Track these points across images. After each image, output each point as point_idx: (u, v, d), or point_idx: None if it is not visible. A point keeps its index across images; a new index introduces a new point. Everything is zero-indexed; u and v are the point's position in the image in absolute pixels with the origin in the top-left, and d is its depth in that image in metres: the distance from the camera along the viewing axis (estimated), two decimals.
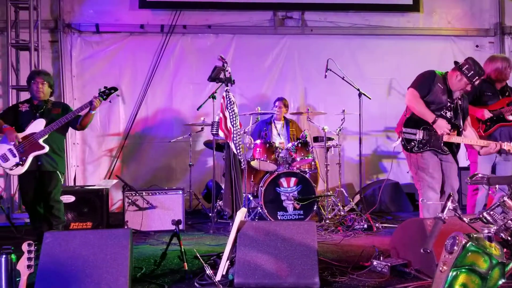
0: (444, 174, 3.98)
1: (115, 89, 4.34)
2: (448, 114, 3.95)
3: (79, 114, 4.28)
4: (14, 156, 4.11)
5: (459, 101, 4.04)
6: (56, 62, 6.51)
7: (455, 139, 3.91)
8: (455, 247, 2.16)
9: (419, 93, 3.92)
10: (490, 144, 3.92)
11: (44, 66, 6.24)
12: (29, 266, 2.46)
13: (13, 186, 5.96)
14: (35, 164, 4.19)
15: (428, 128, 3.91)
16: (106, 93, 4.28)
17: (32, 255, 2.49)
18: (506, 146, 3.87)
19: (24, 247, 2.50)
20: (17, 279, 2.74)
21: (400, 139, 3.98)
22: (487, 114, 4.27)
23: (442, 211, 2.36)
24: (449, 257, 2.19)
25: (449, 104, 3.96)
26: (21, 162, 4.11)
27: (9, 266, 2.97)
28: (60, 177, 4.37)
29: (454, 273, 2.18)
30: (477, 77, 3.86)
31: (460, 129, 3.97)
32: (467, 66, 3.87)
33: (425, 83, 3.95)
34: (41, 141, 4.14)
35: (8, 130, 4.15)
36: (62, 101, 6.20)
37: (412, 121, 3.96)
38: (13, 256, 2.98)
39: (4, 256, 2.97)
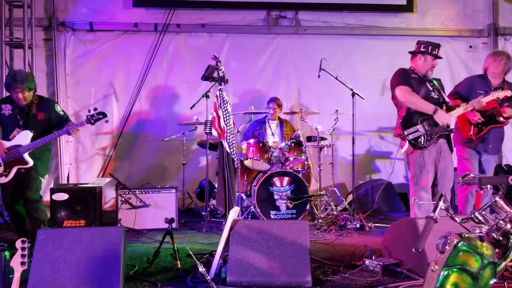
0: (439, 172, 4.03)
1: (104, 115, 4.20)
2: (435, 95, 4.08)
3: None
4: (0, 165, 4.08)
5: (434, 81, 4.22)
6: (50, 60, 6.47)
7: (449, 115, 4.01)
8: (447, 247, 2.18)
9: (410, 88, 4.02)
10: (475, 103, 4.08)
11: (38, 64, 6.21)
12: (22, 263, 2.46)
13: None
14: (17, 172, 4.14)
15: (425, 118, 3.96)
16: (95, 118, 4.14)
17: (26, 252, 2.49)
18: (501, 94, 4.08)
19: (18, 244, 2.50)
20: (11, 276, 2.74)
21: (407, 143, 4.01)
22: (479, 119, 4.28)
23: (434, 210, 2.38)
24: (440, 256, 2.21)
25: (430, 87, 4.10)
26: (4, 173, 4.07)
27: (2, 263, 2.99)
28: (41, 180, 4.31)
29: (446, 272, 2.19)
30: (436, 48, 4.10)
31: (448, 103, 4.13)
32: (422, 45, 4.12)
33: (405, 78, 4.08)
34: (26, 155, 4.07)
35: None
36: (56, 99, 6.16)
37: (407, 120, 4.00)
38: (6, 253, 3.00)
39: None
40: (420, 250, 2.33)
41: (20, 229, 4.34)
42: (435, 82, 4.22)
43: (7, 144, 4.10)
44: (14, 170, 4.09)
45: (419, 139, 3.95)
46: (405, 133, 3.98)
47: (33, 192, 4.24)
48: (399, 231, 3.52)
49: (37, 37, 6.28)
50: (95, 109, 4.19)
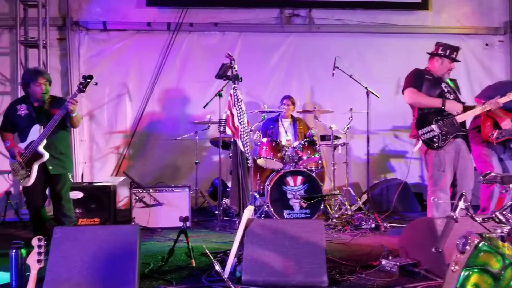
0: (459, 172, 3.98)
1: (91, 77, 4.07)
2: (451, 96, 4.04)
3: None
4: (22, 168, 4.10)
5: (449, 83, 4.17)
6: (64, 59, 6.52)
7: (465, 115, 3.97)
8: (467, 247, 2.14)
9: (417, 89, 4.02)
10: (491, 104, 3.99)
11: (52, 63, 6.26)
12: (39, 261, 2.46)
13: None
14: (43, 170, 4.15)
15: (440, 118, 3.93)
16: (84, 85, 4.05)
17: (42, 250, 2.49)
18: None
19: (34, 242, 2.50)
20: (27, 273, 2.75)
21: (421, 142, 3.98)
22: (510, 125, 4.18)
23: (454, 210, 2.34)
24: (460, 256, 2.17)
25: (445, 89, 4.06)
26: (27, 174, 4.09)
27: (19, 261, 3.01)
28: (69, 177, 4.35)
29: (466, 273, 2.15)
30: (455, 51, 4.06)
31: (464, 104, 4.07)
32: (441, 47, 4.08)
33: (417, 79, 4.06)
34: (40, 148, 4.06)
35: (10, 148, 4.16)
36: None
37: (422, 120, 3.97)
38: (23, 251, 3.02)
39: (14, 250, 3.01)
40: (440, 250, 2.30)
41: (38, 229, 4.28)
42: (450, 83, 4.17)
43: (23, 145, 4.13)
44: (35, 168, 4.09)
45: (434, 139, 3.90)
46: (420, 133, 3.95)
47: (65, 189, 4.26)
48: (416, 231, 3.46)
49: (51, 37, 6.33)
50: (83, 76, 4.10)
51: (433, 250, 2.31)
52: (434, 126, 3.91)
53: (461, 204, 2.38)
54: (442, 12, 7.06)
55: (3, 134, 4.29)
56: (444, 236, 2.34)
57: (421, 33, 6.88)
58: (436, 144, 3.90)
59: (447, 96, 4.01)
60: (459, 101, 4.05)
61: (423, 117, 3.99)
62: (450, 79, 4.21)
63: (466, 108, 4.03)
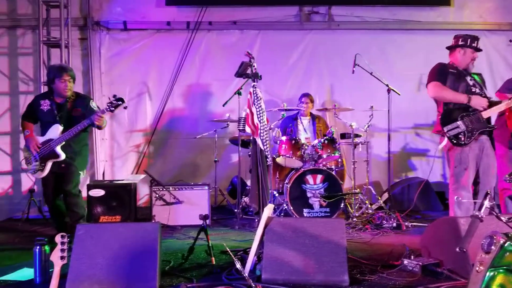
0: (482, 170, 3.91)
1: (122, 100, 4.14)
2: (477, 90, 3.97)
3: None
4: (36, 160, 4.21)
5: (475, 76, 4.10)
6: (86, 59, 6.61)
7: (491, 111, 3.90)
8: (493, 247, 2.09)
9: (441, 83, 3.94)
10: None
11: (74, 63, 6.33)
12: (62, 258, 2.49)
13: None
14: (55, 167, 4.25)
15: (465, 114, 3.86)
16: (114, 105, 4.12)
17: (65, 247, 2.53)
18: None
19: (58, 238, 2.54)
20: (50, 269, 2.80)
21: (446, 139, 3.91)
22: None
23: (479, 209, 2.29)
24: (486, 257, 2.13)
25: (471, 82, 3.99)
26: (40, 168, 4.21)
27: (42, 257, 3.06)
28: (80, 174, 4.41)
29: (491, 273, 2.11)
30: (475, 40, 4.03)
31: (490, 99, 3.99)
32: (460, 39, 4.06)
33: (441, 73, 3.99)
34: (57, 148, 4.16)
35: (28, 138, 4.26)
36: (92, 97, 6.27)
37: (447, 116, 3.90)
38: (46, 248, 3.07)
39: (38, 247, 3.06)
40: (465, 250, 2.26)
41: (58, 224, 4.45)
42: (476, 77, 4.09)
43: (41, 139, 4.23)
44: (49, 164, 4.21)
45: (460, 136, 3.83)
46: (445, 129, 3.87)
47: (73, 186, 4.34)
48: (439, 231, 3.41)
49: (73, 37, 6.42)
50: (114, 96, 4.16)
51: (458, 250, 2.26)
52: (459, 123, 3.84)
53: (486, 203, 2.33)
54: (464, 7, 6.91)
55: (24, 122, 4.40)
56: (469, 235, 2.30)
57: (443, 29, 6.72)
58: (462, 141, 3.83)
59: (472, 90, 3.94)
60: (485, 96, 3.96)
61: (448, 113, 3.92)
62: (476, 73, 4.13)
63: (491, 104, 3.95)
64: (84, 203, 4.62)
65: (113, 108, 4.13)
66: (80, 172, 4.39)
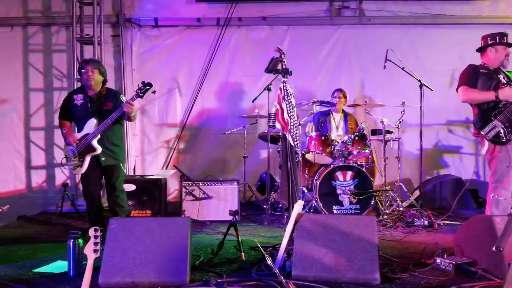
0: None
1: (150, 85, 4.19)
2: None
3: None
4: (75, 156, 4.31)
5: (510, 74, 4.02)
6: (117, 55, 6.74)
7: None
8: None
9: (468, 86, 3.92)
10: None
11: (106, 59, 6.45)
12: (95, 251, 2.54)
13: (78, 175, 6.24)
14: (96, 161, 4.33)
15: (497, 112, 3.78)
16: (143, 91, 4.19)
17: (98, 240, 2.58)
18: None
19: (91, 232, 2.60)
20: (84, 262, 2.87)
21: (487, 143, 3.86)
22: None
23: None
24: None
25: (503, 80, 3.91)
26: (79, 164, 4.29)
27: (76, 250, 3.14)
28: (122, 167, 4.49)
29: None
30: (504, 36, 3.98)
31: None
32: (489, 38, 4.01)
33: (470, 77, 3.96)
34: (94, 142, 4.24)
35: (66, 135, 4.37)
36: (123, 93, 6.38)
37: (481, 119, 3.86)
38: (80, 241, 3.14)
39: (72, 240, 3.14)
40: (502, 249, 2.20)
41: (95, 220, 4.42)
42: (510, 74, 3.98)
43: (78, 135, 4.32)
44: (87, 159, 4.28)
45: (500, 134, 3.74)
46: (482, 133, 3.81)
47: (119, 181, 4.44)
48: (473, 229, 3.32)
49: (105, 34, 6.52)
50: (143, 82, 4.23)
51: (494, 249, 2.20)
52: (495, 122, 3.76)
53: None
54: (499, 1, 6.69)
55: (61, 122, 4.51)
56: (505, 235, 2.24)
57: (477, 23, 6.54)
58: (504, 139, 3.75)
59: (503, 87, 3.83)
60: None
61: (481, 116, 3.87)
62: (509, 71, 4.03)
63: None
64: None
65: (142, 94, 4.20)
66: (122, 164, 4.46)
